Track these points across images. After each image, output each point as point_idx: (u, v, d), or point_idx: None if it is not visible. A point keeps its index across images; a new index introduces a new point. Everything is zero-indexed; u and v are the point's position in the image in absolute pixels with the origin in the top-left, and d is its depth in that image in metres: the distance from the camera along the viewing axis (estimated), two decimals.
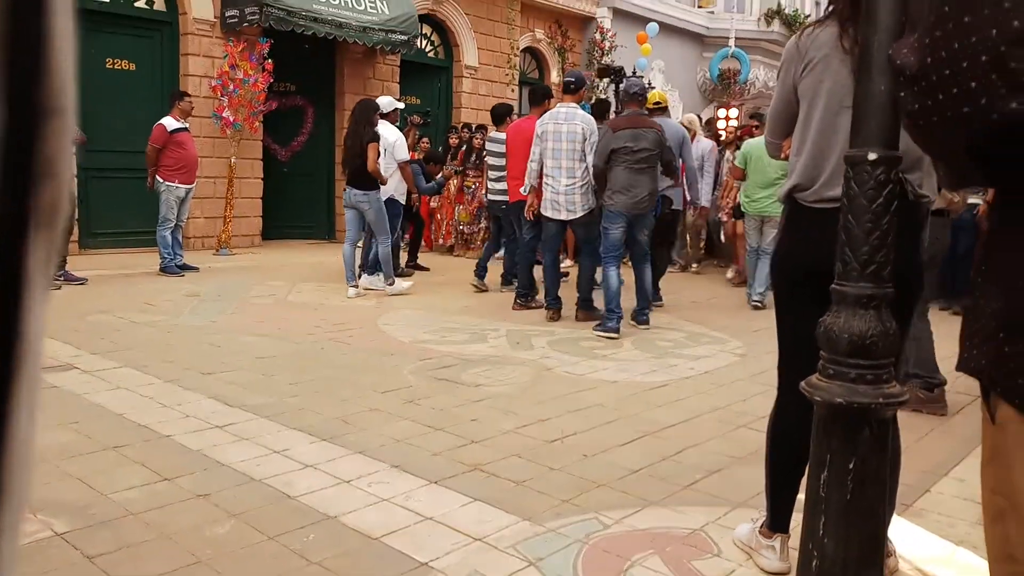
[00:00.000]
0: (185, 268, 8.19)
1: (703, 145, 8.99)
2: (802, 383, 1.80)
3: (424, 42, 13.16)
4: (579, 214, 6.23)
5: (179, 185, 8.08)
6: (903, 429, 2.27)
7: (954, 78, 0.80)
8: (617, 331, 5.83)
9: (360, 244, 7.56)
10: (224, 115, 9.95)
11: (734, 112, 11.88)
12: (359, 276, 7.50)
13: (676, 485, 3.02)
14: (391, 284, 7.30)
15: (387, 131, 7.42)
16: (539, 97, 7.09)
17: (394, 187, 7.61)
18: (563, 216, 6.27)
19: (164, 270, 8.00)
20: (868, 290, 1.72)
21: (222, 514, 2.64)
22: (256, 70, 10.06)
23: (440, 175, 9.58)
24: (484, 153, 8.65)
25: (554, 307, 6.42)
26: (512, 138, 6.99)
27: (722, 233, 9.65)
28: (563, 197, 6.22)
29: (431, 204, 10.62)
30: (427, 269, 9.12)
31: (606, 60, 15.18)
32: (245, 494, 2.82)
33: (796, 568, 1.84)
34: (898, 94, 0.91)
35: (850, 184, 1.74)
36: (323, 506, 2.73)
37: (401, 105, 8.09)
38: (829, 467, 1.76)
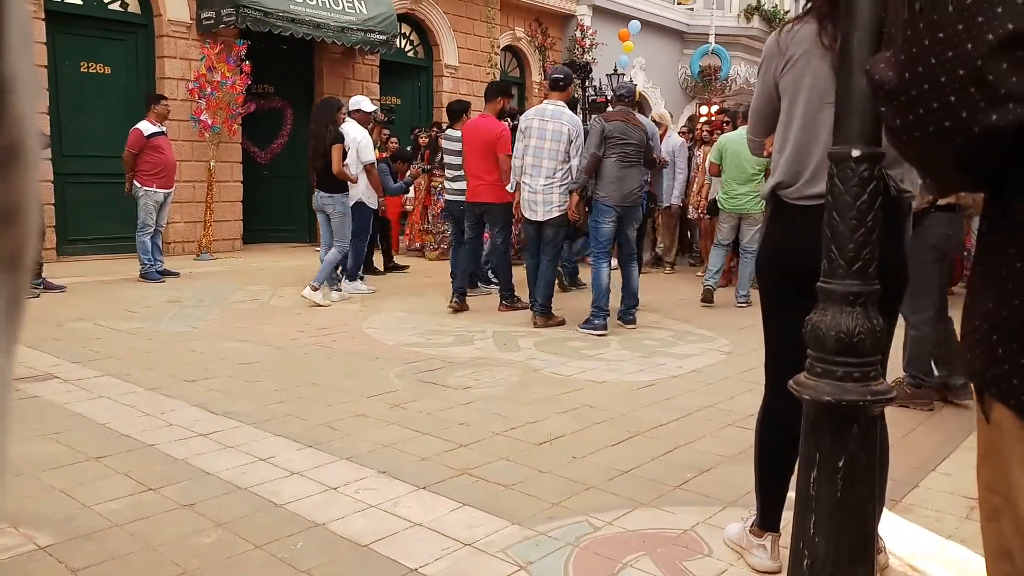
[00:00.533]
0: (166, 274, 8.11)
1: (673, 142, 8.93)
2: (790, 382, 1.79)
3: (403, 42, 13.12)
4: (554, 215, 6.09)
5: (157, 190, 8.00)
6: (890, 424, 2.27)
7: (933, 93, 0.81)
8: (604, 328, 5.83)
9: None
10: (202, 118, 9.86)
11: (716, 109, 11.91)
12: (340, 280, 7.44)
13: (666, 485, 3.01)
14: (314, 290, 6.78)
15: (354, 130, 7.25)
16: (491, 94, 6.85)
17: (362, 191, 7.41)
18: (539, 216, 6.14)
19: (144, 276, 7.91)
20: (854, 288, 1.72)
21: (208, 524, 2.61)
22: (234, 72, 9.97)
23: (408, 174, 9.43)
24: (441, 152, 8.39)
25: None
26: (467, 136, 6.74)
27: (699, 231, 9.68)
28: (540, 196, 6.09)
29: (405, 207, 10.53)
30: (406, 268, 9.07)
31: (587, 58, 15.19)
32: (231, 503, 2.78)
33: (787, 567, 1.84)
34: (878, 109, 0.91)
35: (834, 181, 1.74)
36: (311, 514, 2.70)
37: (371, 107, 7.78)
38: (819, 465, 1.76)
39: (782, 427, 2.25)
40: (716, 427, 3.74)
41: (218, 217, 10.35)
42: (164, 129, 8.18)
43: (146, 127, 7.93)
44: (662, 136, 8.60)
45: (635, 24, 15.46)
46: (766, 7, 18.69)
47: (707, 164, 8.12)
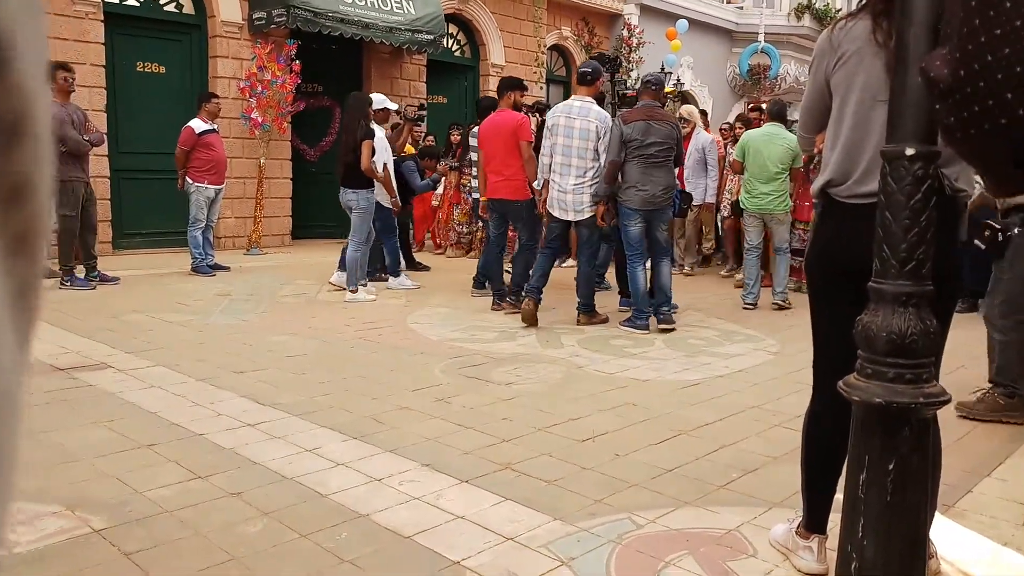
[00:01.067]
0: (216, 268, 8.27)
1: (703, 139, 8.72)
2: (839, 383, 1.76)
3: (450, 41, 13.19)
4: (587, 215, 5.94)
5: (208, 186, 8.17)
6: (943, 427, 2.22)
7: (988, 90, 0.79)
8: (646, 328, 5.80)
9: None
10: (253, 116, 10.04)
11: (750, 106, 11.71)
12: (384, 277, 7.44)
13: (710, 485, 2.99)
14: (354, 292, 6.88)
15: (376, 129, 7.13)
16: (503, 89, 6.68)
17: (378, 189, 7.26)
18: (570, 217, 5.99)
19: (196, 270, 8.09)
20: (907, 288, 1.68)
21: (255, 512, 2.66)
22: (284, 71, 10.14)
23: (436, 171, 9.26)
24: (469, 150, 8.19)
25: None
26: (486, 134, 6.62)
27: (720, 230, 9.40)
28: (570, 197, 5.92)
29: (433, 203, 10.50)
30: (427, 268, 8.94)
31: (634, 57, 15.12)
32: (277, 492, 2.83)
33: (834, 570, 1.81)
34: (933, 107, 0.90)
35: (887, 180, 1.70)
36: (355, 504, 2.73)
37: (394, 106, 7.67)
38: (868, 468, 1.73)
39: (830, 429, 2.22)
40: (762, 427, 3.69)
41: (268, 213, 10.53)
42: (215, 127, 8.34)
43: (198, 125, 8.09)
44: (690, 134, 8.45)
45: (682, 23, 15.33)
46: (817, 5, 18.38)
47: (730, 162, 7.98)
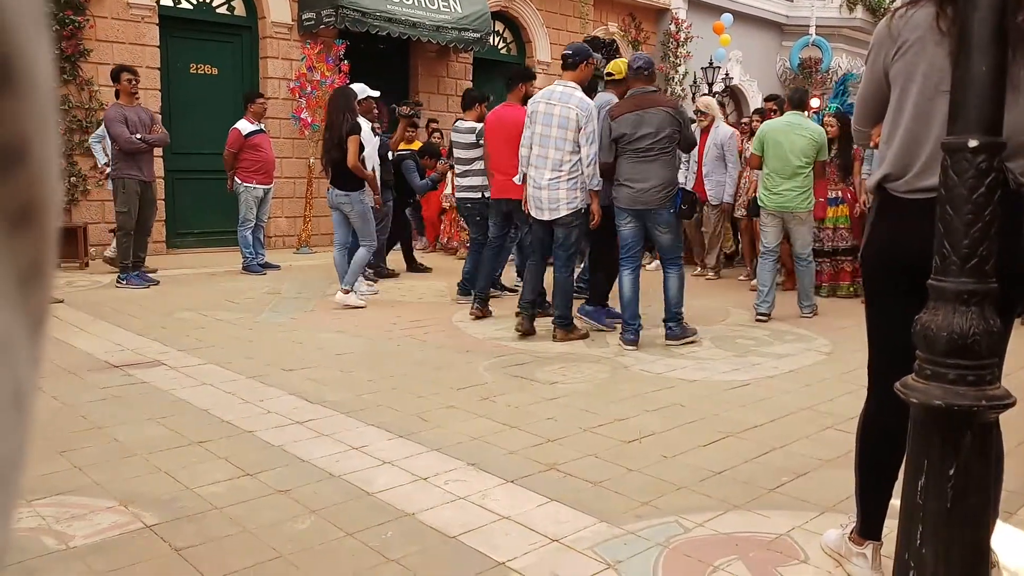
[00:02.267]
0: (267, 266, 8.39)
1: (722, 133, 8.10)
2: (897, 384, 1.70)
3: (497, 39, 13.18)
4: (562, 213, 5.28)
5: (257, 186, 8.27)
6: (1003, 430, 2.13)
7: None
8: (635, 343, 5.18)
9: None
10: (303, 116, 10.17)
11: (815, 102, 11.39)
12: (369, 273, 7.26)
13: (760, 488, 2.92)
14: (346, 293, 6.52)
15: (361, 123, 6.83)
16: (512, 80, 6.26)
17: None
18: (545, 216, 5.35)
19: (246, 269, 8.21)
20: (969, 285, 1.62)
21: (302, 510, 2.68)
22: (333, 71, 10.26)
23: (436, 170, 8.85)
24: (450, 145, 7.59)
25: (525, 312, 5.51)
26: (491, 129, 6.12)
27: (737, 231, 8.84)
28: (545, 193, 5.30)
29: (443, 204, 10.26)
30: (429, 270, 8.70)
31: (682, 51, 14.96)
32: (325, 490, 2.85)
33: None
34: None
35: (948, 173, 1.64)
36: (401, 503, 2.74)
37: (376, 93, 7.40)
38: (927, 474, 1.67)
39: (886, 431, 2.15)
40: (814, 429, 3.60)
41: (317, 212, 10.63)
42: (263, 127, 8.42)
43: (244, 126, 8.18)
44: (709, 127, 8.01)
45: (727, 16, 15.12)
46: None
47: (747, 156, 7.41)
